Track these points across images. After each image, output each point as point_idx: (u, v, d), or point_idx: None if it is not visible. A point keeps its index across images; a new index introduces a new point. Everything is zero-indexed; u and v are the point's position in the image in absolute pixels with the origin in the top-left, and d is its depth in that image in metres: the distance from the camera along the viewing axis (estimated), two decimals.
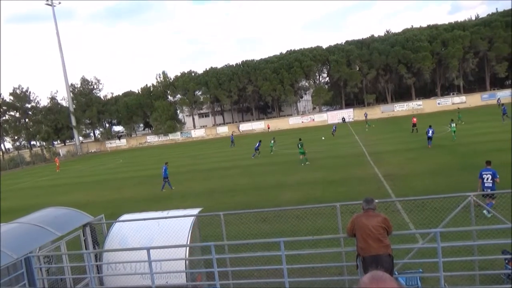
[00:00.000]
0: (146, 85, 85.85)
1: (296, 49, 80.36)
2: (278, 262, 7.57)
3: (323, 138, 42.93)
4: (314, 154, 29.44)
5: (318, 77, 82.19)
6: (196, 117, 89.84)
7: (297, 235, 10.62)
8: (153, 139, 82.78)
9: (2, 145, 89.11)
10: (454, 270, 7.69)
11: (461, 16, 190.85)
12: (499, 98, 60.18)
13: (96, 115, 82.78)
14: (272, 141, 36.40)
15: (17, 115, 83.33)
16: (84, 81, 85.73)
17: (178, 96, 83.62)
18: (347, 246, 7.95)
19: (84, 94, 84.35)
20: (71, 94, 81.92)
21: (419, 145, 28.32)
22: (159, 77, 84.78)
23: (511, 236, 6.39)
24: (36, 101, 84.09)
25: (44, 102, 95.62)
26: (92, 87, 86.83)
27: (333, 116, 72.04)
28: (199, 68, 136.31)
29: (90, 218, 9.81)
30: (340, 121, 68.22)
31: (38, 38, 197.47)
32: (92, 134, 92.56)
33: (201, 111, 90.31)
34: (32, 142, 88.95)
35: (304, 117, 76.24)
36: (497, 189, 11.32)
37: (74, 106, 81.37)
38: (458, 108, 53.07)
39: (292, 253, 8.66)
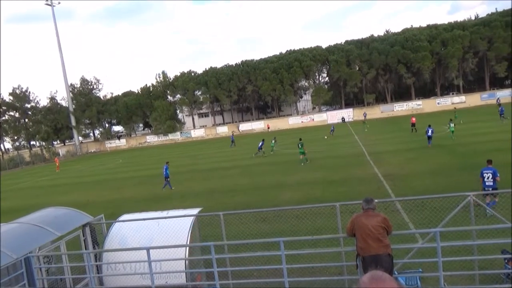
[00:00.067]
0: (146, 85, 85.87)
1: (295, 49, 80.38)
2: (277, 262, 7.57)
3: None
4: (314, 154, 29.45)
5: (317, 77, 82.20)
6: (195, 117, 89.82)
7: (296, 235, 10.62)
8: (152, 139, 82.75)
9: (1, 145, 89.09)
10: (454, 270, 7.69)
11: (461, 16, 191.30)
12: (498, 98, 60.21)
13: (96, 115, 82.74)
14: (273, 141, 36.45)
15: (17, 115, 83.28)
16: (83, 81, 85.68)
17: (178, 96, 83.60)
18: (347, 246, 7.95)
19: (83, 94, 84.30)
20: (71, 94, 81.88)
21: (419, 145, 28.32)
22: (159, 77, 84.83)
23: (511, 236, 6.38)
24: (35, 101, 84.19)
25: (43, 102, 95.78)
26: (91, 87, 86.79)
27: (333, 116, 72.06)
28: (199, 68, 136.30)
29: (90, 218, 9.80)
30: (338, 121, 68.33)
31: (38, 38, 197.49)
32: (91, 134, 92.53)
33: (201, 111, 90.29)
34: (32, 142, 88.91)
35: (304, 117, 76.23)
36: (497, 188, 11.36)
37: (73, 106, 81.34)
38: (455, 108, 53.04)
39: (291, 253, 8.66)
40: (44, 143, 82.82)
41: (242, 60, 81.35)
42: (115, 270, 8.89)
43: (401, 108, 69.54)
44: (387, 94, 77.15)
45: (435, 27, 73.29)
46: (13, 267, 7.99)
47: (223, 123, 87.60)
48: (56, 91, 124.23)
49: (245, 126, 77.60)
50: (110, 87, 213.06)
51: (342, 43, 79.11)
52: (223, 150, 44.90)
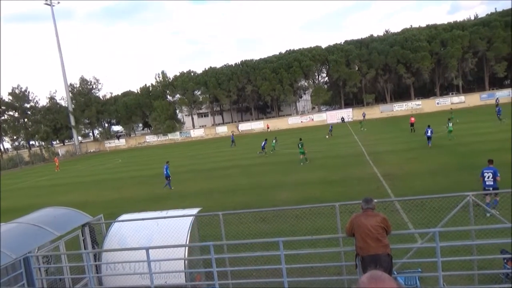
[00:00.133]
0: (145, 85, 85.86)
1: (295, 49, 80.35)
2: (277, 261, 7.57)
3: (326, 137, 43.07)
4: (313, 154, 29.46)
5: (317, 77, 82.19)
6: (195, 117, 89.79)
7: (296, 235, 10.62)
8: (152, 139, 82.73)
9: (1, 145, 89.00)
10: (453, 270, 7.69)
11: (460, 16, 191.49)
12: (497, 98, 60.27)
13: (95, 115, 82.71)
14: (274, 141, 36.52)
15: (16, 115, 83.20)
16: (83, 81, 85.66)
17: (177, 96, 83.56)
18: (346, 245, 7.95)
19: (83, 94, 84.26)
20: (70, 94, 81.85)
21: (418, 145, 28.33)
22: (158, 77, 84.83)
23: (511, 235, 6.39)
24: (35, 101, 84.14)
25: (43, 102, 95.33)
26: (91, 87, 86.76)
27: (332, 116, 72.09)
28: (198, 68, 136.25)
29: (89, 218, 9.79)
30: (336, 121, 68.45)
31: (37, 38, 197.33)
32: (91, 134, 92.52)
33: (200, 111, 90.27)
34: (31, 142, 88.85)
35: (303, 117, 76.24)
36: (498, 188, 11.39)
37: (73, 106, 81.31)
38: (451, 108, 53.03)
39: (291, 252, 8.66)
40: (43, 143, 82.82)
41: (242, 60, 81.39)
42: (115, 270, 8.88)
43: (400, 108, 69.58)
44: (386, 94, 77.18)
45: (434, 27, 73.32)
46: (12, 267, 7.98)
47: (223, 123, 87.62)
48: (56, 91, 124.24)
49: (244, 126, 77.60)
50: (109, 87, 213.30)
51: (342, 43, 79.11)
52: (223, 150, 44.89)
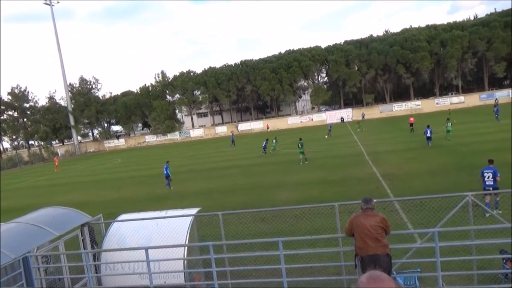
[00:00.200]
0: (145, 84, 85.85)
1: (295, 49, 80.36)
2: (276, 261, 7.57)
3: (326, 137, 43.12)
4: (312, 154, 29.47)
5: (317, 77, 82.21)
6: (194, 117, 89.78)
7: (295, 235, 10.62)
8: (151, 138, 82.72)
9: (0, 145, 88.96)
10: (452, 270, 7.70)
11: (460, 16, 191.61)
12: (496, 98, 60.33)
13: (95, 114, 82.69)
14: (274, 141, 36.55)
15: (15, 114, 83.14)
16: (82, 80, 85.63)
17: (177, 95, 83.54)
18: (345, 245, 7.95)
19: (82, 93, 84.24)
20: (70, 94, 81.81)
21: (418, 145, 28.36)
22: (158, 76, 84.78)
23: (511, 235, 6.39)
24: (34, 100, 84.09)
25: (42, 101, 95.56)
26: (90, 86, 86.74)
27: (332, 116, 72.14)
28: (198, 68, 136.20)
29: (88, 218, 9.79)
30: (335, 121, 68.58)
31: (37, 37, 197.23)
32: (90, 133, 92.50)
33: (200, 111, 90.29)
34: (30, 142, 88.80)
35: (303, 117, 76.28)
36: (498, 188, 11.41)
37: (72, 105, 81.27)
38: (449, 109, 53.03)
39: (290, 252, 8.66)
40: (42, 143, 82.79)
41: (241, 60, 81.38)
42: (114, 270, 8.88)
43: (400, 108, 69.63)
44: (386, 94, 77.22)
45: (434, 27, 73.37)
46: (11, 267, 7.97)
47: (222, 123, 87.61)
48: (55, 91, 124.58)
49: (244, 126, 77.60)
50: (109, 87, 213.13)
51: (341, 43, 79.14)
52: (222, 150, 44.90)
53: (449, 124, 29.57)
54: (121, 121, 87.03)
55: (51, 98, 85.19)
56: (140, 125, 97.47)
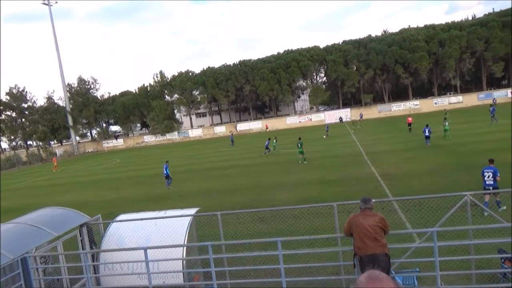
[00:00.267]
0: (143, 84, 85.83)
1: (293, 49, 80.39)
2: (275, 261, 7.57)
3: (324, 137, 43.17)
4: (311, 154, 29.47)
5: (315, 76, 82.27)
6: (193, 117, 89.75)
7: (294, 235, 10.63)
8: (150, 139, 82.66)
9: None
10: (451, 269, 7.72)
11: (458, 16, 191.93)
12: (494, 98, 60.45)
13: (93, 114, 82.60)
14: (275, 141, 36.59)
15: (14, 115, 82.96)
16: (81, 80, 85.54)
17: (176, 95, 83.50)
18: (344, 245, 7.95)
19: (81, 93, 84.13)
20: (68, 94, 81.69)
21: (416, 144, 28.41)
22: (156, 76, 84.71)
23: (511, 235, 6.40)
24: (32, 100, 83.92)
25: (40, 101, 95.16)
26: (89, 86, 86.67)
27: (331, 116, 72.20)
28: (199, 68, 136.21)
29: (87, 218, 9.77)
30: (334, 121, 68.61)
31: (35, 37, 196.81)
32: (89, 134, 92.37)
33: (199, 111, 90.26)
34: (29, 142, 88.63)
35: (302, 117, 76.32)
36: (498, 188, 11.45)
37: (71, 105, 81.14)
38: (445, 109, 53.10)
39: (289, 252, 8.66)
40: (41, 143, 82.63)
41: (240, 60, 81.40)
42: (112, 270, 8.87)
43: (398, 108, 69.72)
44: (384, 94, 77.31)
45: (432, 27, 73.49)
46: (10, 268, 7.95)
47: (221, 123, 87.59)
48: (53, 91, 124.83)
49: (243, 126, 77.60)
50: (107, 87, 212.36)
51: (340, 43, 79.23)
52: (221, 150, 44.90)
53: (447, 124, 29.71)
54: (119, 121, 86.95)
55: (49, 98, 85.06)
56: (138, 125, 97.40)
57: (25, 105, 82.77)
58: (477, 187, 12.30)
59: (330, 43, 79.62)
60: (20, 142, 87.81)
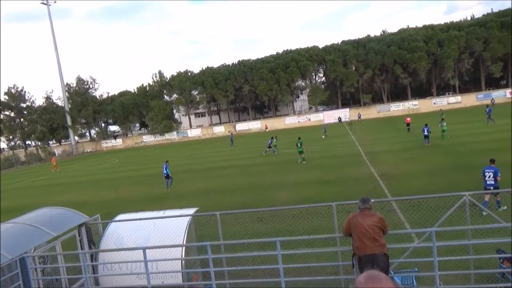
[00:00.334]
0: (142, 84, 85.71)
1: (292, 49, 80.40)
2: (274, 261, 7.57)
3: (323, 137, 43.21)
4: (310, 154, 29.48)
5: (314, 77, 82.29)
6: (192, 117, 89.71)
7: (293, 235, 10.62)
8: (149, 138, 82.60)
9: None
10: (450, 269, 7.72)
11: (457, 16, 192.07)
12: (493, 98, 60.55)
13: (92, 114, 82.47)
14: (275, 140, 36.61)
15: (12, 114, 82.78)
16: (79, 80, 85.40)
17: (175, 95, 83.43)
18: (343, 245, 7.95)
19: (79, 93, 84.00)
20: (67, 94, 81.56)
21: (415, 145, 28.45)
22: (155, 76, 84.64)
23: (511, 235, 6.41)
24: (31, 100, 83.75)
25: (39, 101, 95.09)
26: (87, 86, 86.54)
27: (330, 116, 72.24)
28: (197, 68, 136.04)
29: (86, 218, 9.76)
30: (333, 121, 68.66)
31: (33, 37, 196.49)
32: (87, 133, 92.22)
33: (198, 111, 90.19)
34: (27, 142, 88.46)
35: (301, 117, 76.34)
36: (499, 187, 11.48)
37: (69, 105, 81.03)
38: (441, 110, 53.14)
39: (288, 252, 8.66)
40: (39, 143, 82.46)
41: (239, 60, 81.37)
42: (111, 270, 8.86)
43: (397, 108, 69.79)
44: (383, 94, 77.38)
45: (431, 27, 73.58)
46: (8, 268, 7.94)
47: (220, 123, 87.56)
48: (52, 91, 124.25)
49: (241, 126, 77.59)
50: (106, 87, 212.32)
51: (339, 43, 79.28)
52: (220, 150, 44.90)
53: (444, 124, 29.83)
54: (118, 121, 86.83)
55: (48, 98, 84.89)
56: (137, 125, 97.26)
57: (24, 105, 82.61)
58: (475, 187, 12.32)
59: (329, 43, 79.75)
60: (18, 142, 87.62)
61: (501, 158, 17.48)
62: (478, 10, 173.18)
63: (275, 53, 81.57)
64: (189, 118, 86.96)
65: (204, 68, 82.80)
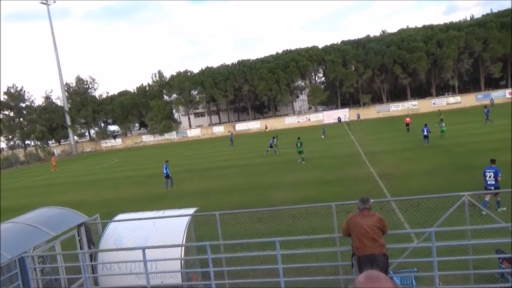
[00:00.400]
0: (142, 84, 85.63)
1: (292, 49, 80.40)
2: (273, 261, 7.57)
3: (322, 137, 43.24)
4: (310, 154, 29.48)
5: (314, 77, 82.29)
6: (192, 117, 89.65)
7: (292, 235, 10.62)
8: (148, 138, 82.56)
9: None
10: (449, 269, 7.73)
11: (457, 16, 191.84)
12: (492, 99, 60.59)
13: (91, 114, 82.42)
14: (276, 140, 36.63)
15: (12, 114, 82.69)
16: (79, 80, 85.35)
17: (174, 95, 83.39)
18: (342, 245, 7.96)
19: (79, 93, 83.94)
20: (66, 94, 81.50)
21: (414, 145, 28.47)
22: (155, 76, 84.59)
23: (511, 235, 6.42)
24: (30, 100, 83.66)
25: (38, 101, 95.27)
26: (87, 86, 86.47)
27: (329, 116, 72.27)
28: (197, 68, 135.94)
29: (85, 218, 9.76)
30: (331, 121, 68.79)
31: (33, 37, 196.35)
32: (87, 133, 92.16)
33: (197, 111, 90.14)
34: (27, 142, 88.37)
35: (300, 117, 76.35)
36: (499, 188, 11.50)
37: (69, 105, 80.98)
38: (439, 110, 53.20)
39: (287, 252, 8.66)
40: (39, 143, 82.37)
41: (239, 60, 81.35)
42: (111, 270, 8.86)
43: (397, 108, 69.83)
44: (383, 94, 77.41)
45: (430, 27, 73.60)
46: (7, 267, 7.93)
47: (219, 123, 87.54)
48: (51, 90, 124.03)
49: (241, 126, 77.58)
50: (106, 87, 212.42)
51: (338, 43, 79.29)
52: (219, 150, 44.89)
53: (443, 125, 29.88)
54: (118, 121, 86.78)
55: (47, 98, 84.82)
56: (137, 125, 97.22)
57: (23, 105, 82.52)
58: (475, 187, 12.33)
59: (329, 43, 79.76)
60: (18, 141, 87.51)
61: (501, 158, 17.50)
62: (478, 11, 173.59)
63: (274, 53, 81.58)
64: (189, 118, 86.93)
65: (203, 68, 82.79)
